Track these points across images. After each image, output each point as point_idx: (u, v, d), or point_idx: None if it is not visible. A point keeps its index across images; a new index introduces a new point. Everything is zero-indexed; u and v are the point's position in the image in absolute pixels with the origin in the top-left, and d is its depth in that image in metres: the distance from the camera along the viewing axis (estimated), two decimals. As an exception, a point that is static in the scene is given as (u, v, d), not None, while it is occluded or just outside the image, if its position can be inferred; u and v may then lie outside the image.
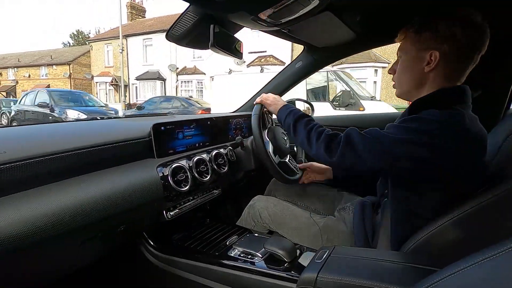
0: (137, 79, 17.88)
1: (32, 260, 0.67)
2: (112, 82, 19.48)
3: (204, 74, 15.88)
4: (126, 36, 18.44)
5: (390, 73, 0.87)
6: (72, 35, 39.77)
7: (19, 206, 0.59)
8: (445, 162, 0.67)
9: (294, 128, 0.91)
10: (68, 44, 37.23)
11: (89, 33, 38.90)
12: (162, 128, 0.98)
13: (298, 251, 0.90)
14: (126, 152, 0.88)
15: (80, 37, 38.77)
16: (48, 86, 21.84)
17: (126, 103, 14.83)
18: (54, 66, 22.89)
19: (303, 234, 1.00)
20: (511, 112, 1.08)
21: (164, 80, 17.44)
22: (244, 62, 13.83)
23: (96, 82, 20.78)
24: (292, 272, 0.81)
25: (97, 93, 20.11)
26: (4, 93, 23.72)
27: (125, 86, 18.23)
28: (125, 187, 0.78)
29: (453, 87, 0.75)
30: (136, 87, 18.20)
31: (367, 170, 0.76)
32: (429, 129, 0.67)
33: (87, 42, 23.61)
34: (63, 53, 24.76)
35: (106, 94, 20.21)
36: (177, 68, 16.94)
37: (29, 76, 23.98)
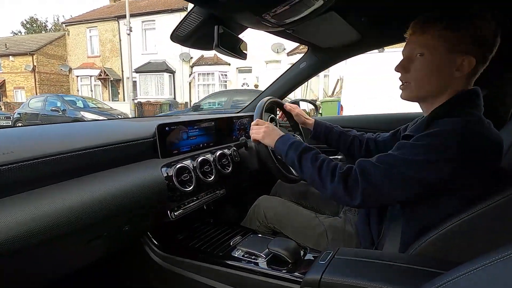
0: (136, 71, 13.78)
1: (39, 258, 0.68)
2: (100, 75, 15.37)
3: (229, 64, 13.16)
4: (118, 18, 14.47)
5: (398, 71, 0.77)
6: (24, 22, 32.07)
7: (25, 206, 0.60)
8: (466, 173, 0.63)
9: (299, 165, 0.81)
10: (20, 33, 29.65)
11: (46, 21, 32.91)
12: (167, 128, 0.99)
13: (302, 252, 0.90)
14: (131, 152, 0.88)
15: (34, 25, 31.67)
16: (3, 82, 17.59)
17: (136, 102, 12.00)
18: (11, 57, 17.44)
19: (308, 234, 1.00)
20: None
21: (173, 72, 14.26)
22: (284, 50, 12.01)
23: (77, 76, 16.03)
24: (296, 273, 0.81)
25: (78, 90, 16.05)
26: None
27: (118, 80, 15.22)
28: (129, 187, 0.79)
29: (468, 91, 0.71)
30: (135, 81, 14.04)
31: (396, 202, 0.72)
32: (450, 144, 0.62)
33: (62, 25, 18.53)
34: (22, 42, 18.79)
35: (92, 91, 15.86)
36: (191, 58, 13.90)
37: (-24, 70, 17.85)
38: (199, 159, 1.04)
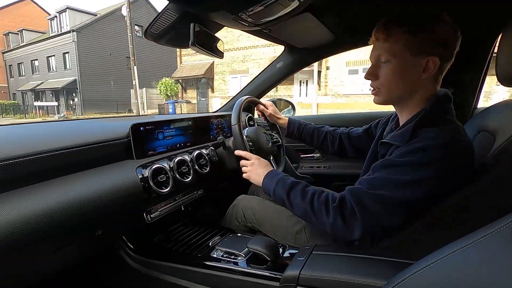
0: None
1: (1, 268, 0.63)
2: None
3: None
4: None
5: (368, 79, 0.78)
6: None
7: None
8: (451, 183, 0.65)
9: (289, 202, 0.78)
10: None
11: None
12: (141, 128, 0.96)
13: (281, 249, 0.91)
14: (104, 153, 0.85)
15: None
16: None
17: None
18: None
19: (287, 232, 1.01)
20: (479, 111, 1.14)
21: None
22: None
23: None
24: (275, 270, 0.82)
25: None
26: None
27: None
28: (102, 190, 0.76)
29: (444, 96, 0.73)
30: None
31: (398, 226, 0.69)
32: (439, 159, 0.64)
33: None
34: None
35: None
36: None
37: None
38: (176, 160, 1.02)
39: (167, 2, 0.85)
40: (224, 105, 1.73)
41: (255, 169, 0.92)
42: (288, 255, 0.89)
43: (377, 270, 0.62)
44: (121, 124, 0.99)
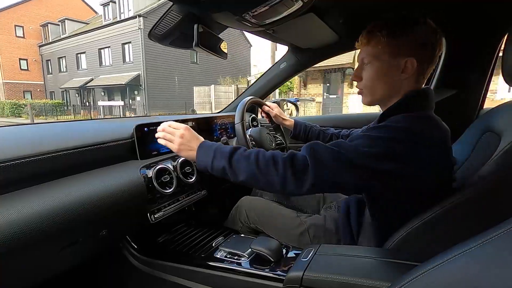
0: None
1: (5, 267, 0.64)
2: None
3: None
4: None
5: (354, 80, 0.82)
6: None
7: None
8: (412, 167, 0.65)
9: (232, 170, 0.72)
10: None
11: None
12: (145, 129, 0.96)
13: (284, 251, 0.91)
14: (108, 154, 0.85)
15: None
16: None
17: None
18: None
19: (290, 234, 1.01)
20: (485, 111, 1.13)
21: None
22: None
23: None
24: (279, 271, 0.82)
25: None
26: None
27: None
28: (107, 190, 0.76)
29: (418, 90, 0.75)
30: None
31: (347, 188, 0.69)
32: (394, 136, 0.65)
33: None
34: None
35: None
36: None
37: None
38: (180, 160, 1.02)
39: (171, 3, 0.85)
40: (227, 106, 1.73)
41: (186, 141, 0.80)
42: (292, 256, 0.89)
43: (382, 272, 0.62)
44: (125, 124, 0.99)
